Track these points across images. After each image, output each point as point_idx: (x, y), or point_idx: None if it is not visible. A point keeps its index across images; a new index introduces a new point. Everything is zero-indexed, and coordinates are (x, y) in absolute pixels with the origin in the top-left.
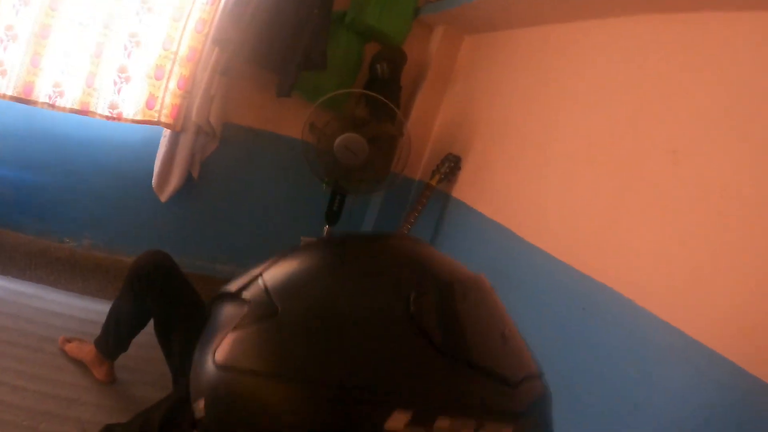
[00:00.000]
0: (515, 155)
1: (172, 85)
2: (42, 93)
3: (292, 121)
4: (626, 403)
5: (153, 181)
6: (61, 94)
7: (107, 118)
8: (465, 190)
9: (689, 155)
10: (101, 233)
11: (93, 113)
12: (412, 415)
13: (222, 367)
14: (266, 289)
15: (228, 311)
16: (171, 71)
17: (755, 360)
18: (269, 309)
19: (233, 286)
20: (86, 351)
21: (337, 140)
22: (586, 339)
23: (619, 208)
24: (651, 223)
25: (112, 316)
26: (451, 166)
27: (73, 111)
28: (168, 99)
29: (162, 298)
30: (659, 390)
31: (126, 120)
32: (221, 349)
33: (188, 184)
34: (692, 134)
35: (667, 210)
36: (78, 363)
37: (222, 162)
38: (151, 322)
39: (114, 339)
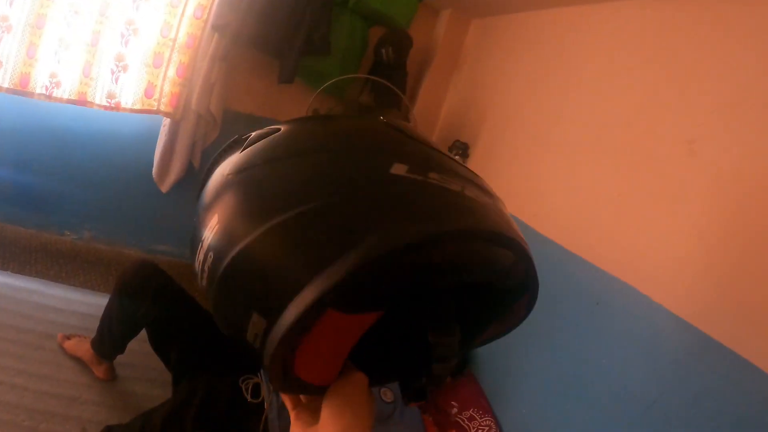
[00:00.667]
0: (524, 142)
1: (171, 72)
2: (38, 84)
3: (295, 108)
4: (640, 403)
5: (153, 172)
6: (57, 85)
7: (105, 108)
8: None
9: (706, 145)
10: (102, 225)
11: (91, 103)
12: (408, 166)
13: (233, 173)
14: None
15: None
16: (170, 59)
17: None
18: (273, 130)
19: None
20: (85, 349)
21: None
22: (600, 335)
23: (634, 199)
24: (667, 215)
25: (105, 322)
26: (458, 153)
27: (70, 102)
28: (167, 87)
29: (152, 313)
30: (674, 390)
31: (124, 109)
32: (229, 163)
33: (189, 173)
34: (710, 123)
35: (684, 202)
36: (78, 360)
37: None
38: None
39: (109, 342)
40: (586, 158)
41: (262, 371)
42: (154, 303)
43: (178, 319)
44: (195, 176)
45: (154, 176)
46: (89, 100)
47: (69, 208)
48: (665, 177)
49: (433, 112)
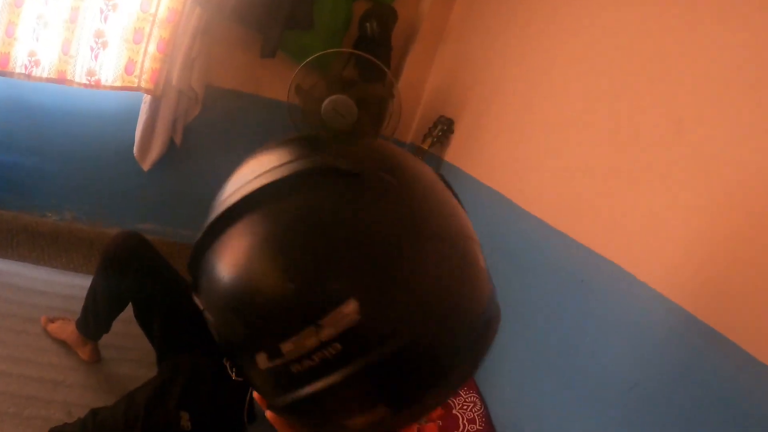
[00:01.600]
0: (510, 118)
1: (152, 48)
2: (18, 63)
3: (278, 83)
4: (623, 382)
5: (134, 150)
6: (36, 63)
7: (85, 86)
8: (458, 154)
9: (695, 124)
10: (84, 205)
11: (70, 81)
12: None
13: None
14: None
15: None
16: (150, 34)
17: (759, 342)
18: None
19: None
20: (69, 331)
21: (325, 102)
22: (584, 313)
23: (620, 177)
24: (653, 193)
25: (90, 299)
26: (443, 129)
27: (50, 80)
28: (147, 63)
29: (138, 285)
30: (658, 369)
31: (104, 87)
32: None
33: (171, 151)
34: (699, 101)
35: (671, 181)
36: (62, 343)
37: (205, 127)
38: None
39: (94, 321)
40: (573, 134)
41: None
42: (140, 274)
43: (163, 291)
44: (177, 153)
45: (135, 154)
46: (69, 78)
47: (50, 189)
48: (652, 155)
49: (417, 87)
